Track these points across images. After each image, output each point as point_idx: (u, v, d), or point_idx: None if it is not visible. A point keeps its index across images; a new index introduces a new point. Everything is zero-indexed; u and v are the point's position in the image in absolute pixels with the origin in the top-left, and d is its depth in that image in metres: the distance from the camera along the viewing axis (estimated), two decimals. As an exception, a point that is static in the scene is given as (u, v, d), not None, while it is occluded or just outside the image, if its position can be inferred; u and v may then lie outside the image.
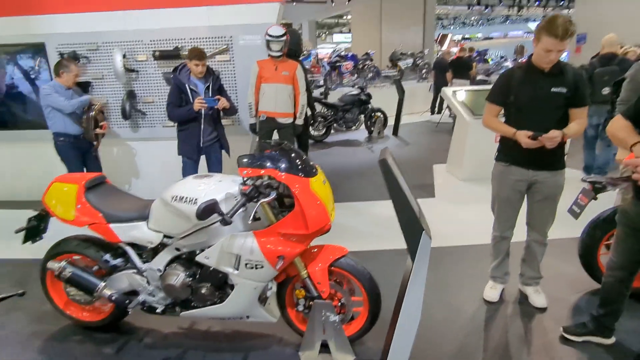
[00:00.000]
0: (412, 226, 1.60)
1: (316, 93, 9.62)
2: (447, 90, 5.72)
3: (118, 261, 2.43)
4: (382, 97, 10.05)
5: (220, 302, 2.23)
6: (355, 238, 3.88)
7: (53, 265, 2.35)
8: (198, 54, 3.70)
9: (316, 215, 2.00)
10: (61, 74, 4.07)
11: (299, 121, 4.54)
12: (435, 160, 6.37)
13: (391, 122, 8.85)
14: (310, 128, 8.08)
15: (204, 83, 3.85)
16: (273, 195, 1.99)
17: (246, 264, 2.08)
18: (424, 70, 13.21)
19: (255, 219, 2.15)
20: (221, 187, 2.14)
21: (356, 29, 19.41)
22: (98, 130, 4.08)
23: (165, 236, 2.26)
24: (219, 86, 3.96)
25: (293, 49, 4.76)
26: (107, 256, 2.41)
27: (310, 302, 2.24)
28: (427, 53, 14.91)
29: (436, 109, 10.79)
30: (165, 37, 4.66)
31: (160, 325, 2.65)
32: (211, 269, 2.18)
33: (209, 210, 1.86)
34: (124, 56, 4.68)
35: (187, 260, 2.28)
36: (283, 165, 2.01)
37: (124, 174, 4.50)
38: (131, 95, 4.85)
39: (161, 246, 2.31)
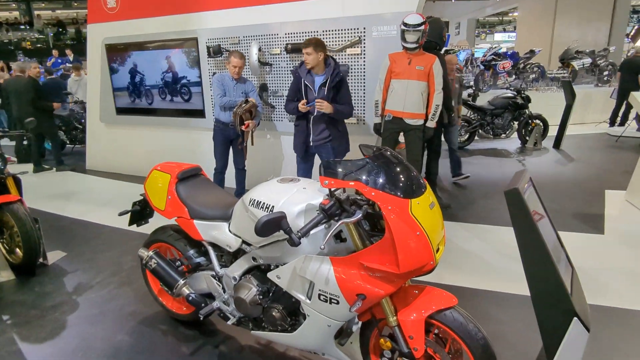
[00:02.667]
0: (555, 303, 0.98)
1: (464, 95, 8.65)
2: (638, 95, 4.36)
3: (201, 259, 2.29)
4: (545, 102, 8.55)
5: (291, 330, 1.89)
6: (479, 271, 3.15)
7: (142, 253, 2.34)
8: (305, 42, 3.48)
9: (412, 249, 1.48)
10: (226, 65, 4.34)
11: (431, 124, 3.93)
12: (609, 185, 4.99)
13: (553, 132, 7.39)
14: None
15: (322, 79, 3.57)
16: (358, 215, 1.54)
17: (319, 295, 1.69)
18: (605, 72, 10.83)
19: (342, 239, 1.74)
20: (303, 196, 1.78)
21: (523, 25, 17.11)
22: (242, 128, 4.16)
23: (244, 242, 2.02)
24: (337, 82, 3.58)
25: (434, 42, 4.15)
26: (192, 252, 2.30)
27: (398, 358, 1.73)
28: (613, 51, 12.21)
29: (618, 119, 8.70)
30: (299, 30, 4.55)
31: (239, 335, 2.46)
32: (283, 290, 1.84)
33: (271, 225, 1.51)
34: (260, 49, 4.73)
35: (263, 273, 1.99)
36: (376, 179, 1.54)
37: (248, 164, 4.58)
38: (263, 88, 4.91)
39: (240, 252, 2.07)
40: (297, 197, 1.77)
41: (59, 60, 14.91)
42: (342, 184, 1.56)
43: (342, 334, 1.96)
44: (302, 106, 3.52)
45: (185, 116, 5.65)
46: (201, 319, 2.18)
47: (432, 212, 1.58)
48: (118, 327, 2.59)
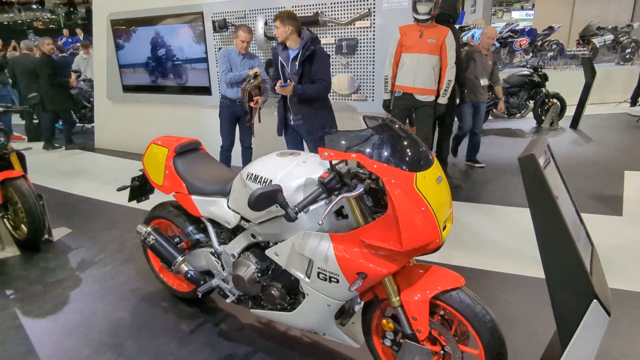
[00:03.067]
0: (572, 284, 0.88)
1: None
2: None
3: (200, 236, 2.23)
4: (562, 81, 8.23)
5: (290, 310, 1.82)
6: (489, 252, 3.04)
7: (140, 229, 2.28)
8: (275, 15, 3.31)
9: (416, 226, 1.38)
10: (233, 39, 4.17)
11: (442, 100, 3.78)
12: (628, 166, 4.79)
13: (570, 112, 7.13)
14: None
15: (295, 53, 3.34)
16: (359, 189, 1.44)
17: (318, 273, 1.61)
18: (628, 50, 10.38)
19: (344, 216, 1.65)
20: (303, 169, 1.68)
21: (541, 2, 16.51)
22: (251, 104, 4.04)
23: (243, 218, 1.94)
24: (309, 56, 3.28)
25: (447, 14, 3.95)
26: (191, 228, 2.24)
27: (400, 340, 1.66)
28: (637, 28, 11.66)
29: (640, 99, 8.35)
30: (306, 3, 4.37)
31: (240, 313, 2.41)
32: (282, 268, 1.77)
33: (265, 199, 1.42)
34: (266, 23, 4.58)
35: (263, 251, 1.92)
36: (379, 150, 1.44)
37: (254, 142, 4.49)
38: (270, 63, 4.76)
39: (240, 229, 2.00)
40: (296, 170, 1.68)
41: (70, 40, 14.88)
42: (343, 156, 1.46)
43: (343, 314, 1.90)
44: (277, 87, 3.33)
45: (191, 93, 5.56)
46: (199, 296, 2.13)
47: (439, 187, 1.48)
48: (119, 304, 2.57)
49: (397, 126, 1.55)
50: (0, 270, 3.02)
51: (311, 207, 1.64)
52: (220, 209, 2.01)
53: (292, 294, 1.84)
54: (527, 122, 7.41)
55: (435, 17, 3.64)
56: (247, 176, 1.79)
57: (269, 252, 1.78)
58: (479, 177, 4.75)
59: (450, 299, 1.55)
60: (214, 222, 2.12)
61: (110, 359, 2.09)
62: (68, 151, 6.66)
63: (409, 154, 1.45)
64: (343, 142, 1.46)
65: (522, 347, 2.05)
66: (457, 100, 4.39)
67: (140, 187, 2.52)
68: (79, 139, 7.35)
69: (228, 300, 2.08)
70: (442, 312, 1.67)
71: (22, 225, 3.34)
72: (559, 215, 0.87)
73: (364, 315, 1.80)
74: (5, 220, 3.38)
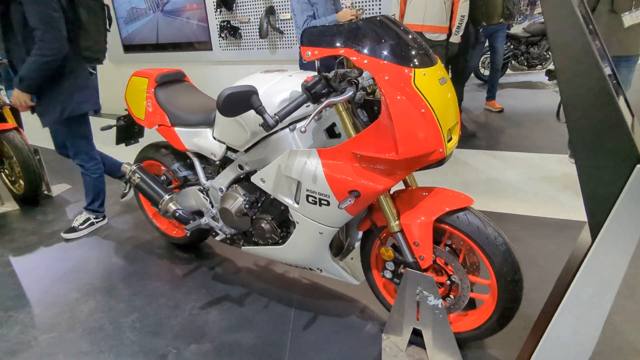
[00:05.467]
0: (606, 145, 0.67)
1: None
2: None
3: (188, 173, 2.08)
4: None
5: (282, 243, 1.67)
6: (510, 197, 2.83)
7: (125, 167, 2.14)
8: None
9: (415, 130, 1.18)
10: None
11: (454, 39, 3.48)
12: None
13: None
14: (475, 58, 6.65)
15: None
16: (349, 93, 1.24)
17: (307, 196, 1.43)
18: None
19: (337, 135, 1.46)
20: (289, 83, 1.49)
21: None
22: None
23: (229, 149, 1.77)
24: None
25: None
26: (177, 165, 2.09)
27: (401, 270, 1.49)
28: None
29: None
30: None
31: (237, 257, 2.29)
32: (271, 197, 1.61)
33: (237, 101, 1.23)
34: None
35: (252, 184, 1.75)
36: (371, 44, 1.22)
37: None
38: (270, 11, 4.49)
39: (227, 162, 1.84)
40: (281, 85, 1.49)
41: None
42: (329, 52, 1.25)
43: (342, 252, 1.74)
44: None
45: (193, 50, 5.33)
46: (188, 234, 1.99)
47: (443, 88, 1.27)
48: (114, 252, 2.47)
49: (392, 21, 1.33)
50: (-2, 224, 2.96)
51: (298, 125, 1.46)
52: (205, 140, 1.84)
53: (284, 227, 1.69)
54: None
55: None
56: (229, 95, 1.60)
57: (254, 179, 1.61)
58: (495, 126, 4.47)
59: (457, 221, 1.36)
60: (201, 157, 1.96)
61: (100, 302, 2.00)
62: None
63: (407, 48, 1.24)
64: (329, 37, 1.25)
65: (539, 283, 1.87)
66: (474, 40, 4.06)
67: (127, 128, 2.37)
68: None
69: (218, 239, 1.95)
70: (448, 242, 1.49)
71: (20, 181, 3.27)
72: (589, 49, 0.65)
73: (363, 248, 1.64)
74: (2, 175, 3.31)
